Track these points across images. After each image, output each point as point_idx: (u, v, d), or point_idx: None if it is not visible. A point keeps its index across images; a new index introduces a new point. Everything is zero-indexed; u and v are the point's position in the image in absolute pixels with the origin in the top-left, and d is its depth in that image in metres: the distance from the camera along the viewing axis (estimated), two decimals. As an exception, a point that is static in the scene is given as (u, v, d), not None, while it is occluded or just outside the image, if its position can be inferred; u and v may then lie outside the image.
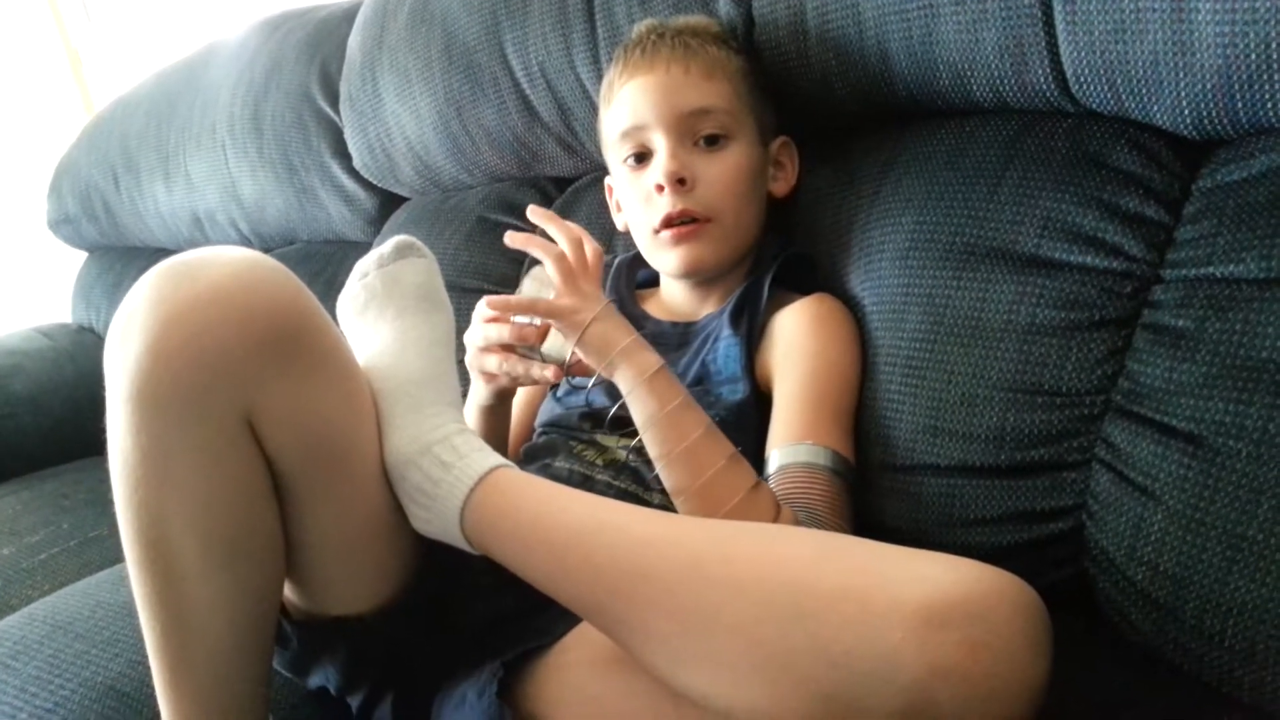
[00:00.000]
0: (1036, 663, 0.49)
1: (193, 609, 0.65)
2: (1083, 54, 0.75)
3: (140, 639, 0.91)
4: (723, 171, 0.92)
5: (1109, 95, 0.76)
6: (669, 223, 0.92)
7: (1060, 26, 0.75)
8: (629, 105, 0.94)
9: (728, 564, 0.55)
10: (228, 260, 0.63)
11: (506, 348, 0.86)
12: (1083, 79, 0.76)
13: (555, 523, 0.64)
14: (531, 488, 0.67)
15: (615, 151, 0.97)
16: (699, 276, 0.96)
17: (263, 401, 0.63)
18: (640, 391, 0.80)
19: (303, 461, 0.66)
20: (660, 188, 0.91)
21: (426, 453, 0.69)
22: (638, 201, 0.96)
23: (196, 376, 0.60)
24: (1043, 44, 0.77)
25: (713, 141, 0.92)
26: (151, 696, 0.83)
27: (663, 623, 0.57)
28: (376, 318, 0.76)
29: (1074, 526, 0.72)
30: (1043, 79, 0.79)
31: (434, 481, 0.68)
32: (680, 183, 0.91)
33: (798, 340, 0.88)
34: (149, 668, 0.87)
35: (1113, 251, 0.74)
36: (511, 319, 0.85)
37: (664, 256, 0.95)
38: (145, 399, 0.60)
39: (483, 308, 0.86)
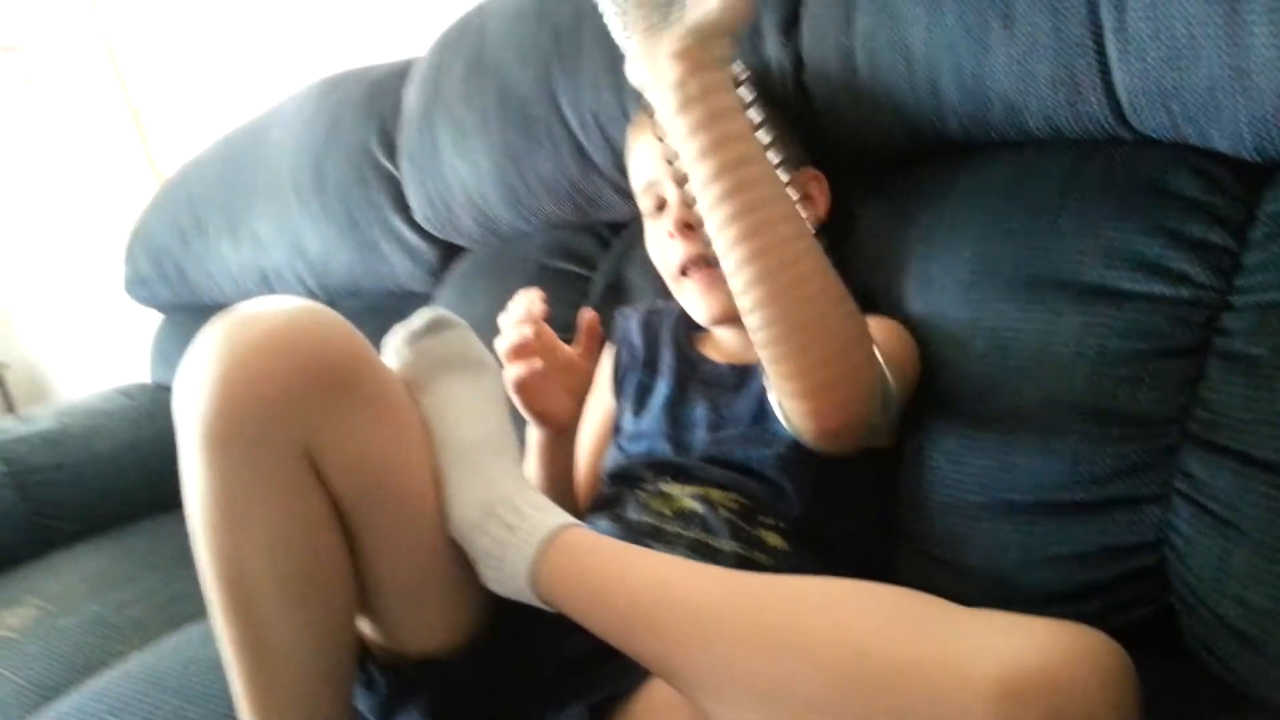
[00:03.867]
0: None
1: (274, 644, 0.68)
2: (1137, 82, 0.75)
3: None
4: None
5: (1166, 121, 0.76)
6: (684, 269, 0.95)
7: (1113, 56, 0.75)
8: (641, 160, 0.98)
9: (796, 630, 0.56)
10: (282, 308, 0.67)
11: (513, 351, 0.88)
12: (1138, 106, 0.76)
13: (620, 588, 0.65)
14: (597, 549, 0.69)
15: (640, 203, 1.01)
16: (730, 320, 0.97)
17: (320, 438, 0.67)
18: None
19: (362, 498, 0.70)
20: (672, 235, 0.94)
21: (491, 516, 0.71)
22: (659, 248, 0.99)
23: (258, 417, 0.64)
24: (1096, 74, 0.77)
25: None
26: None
27: (729, 686, 0.57)
28: (420, 389, 0.77)
29: (1157, 562, 0.72)
30: (1098, 108, 0.79)
31: (500, 544, 0.70)
32: (688, 228, 0.92)
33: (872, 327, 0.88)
34: (240, 724, 0.90)
35: (1180, 279, 0.73)
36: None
37: (693, 305, 0.98)
38: (213, 441, 0.65)
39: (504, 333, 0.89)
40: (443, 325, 0.79)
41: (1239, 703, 0.66)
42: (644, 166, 0.98)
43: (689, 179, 0.72)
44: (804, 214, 0.95)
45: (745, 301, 0.71)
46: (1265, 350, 0.66)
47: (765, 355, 0.73)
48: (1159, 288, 0.74)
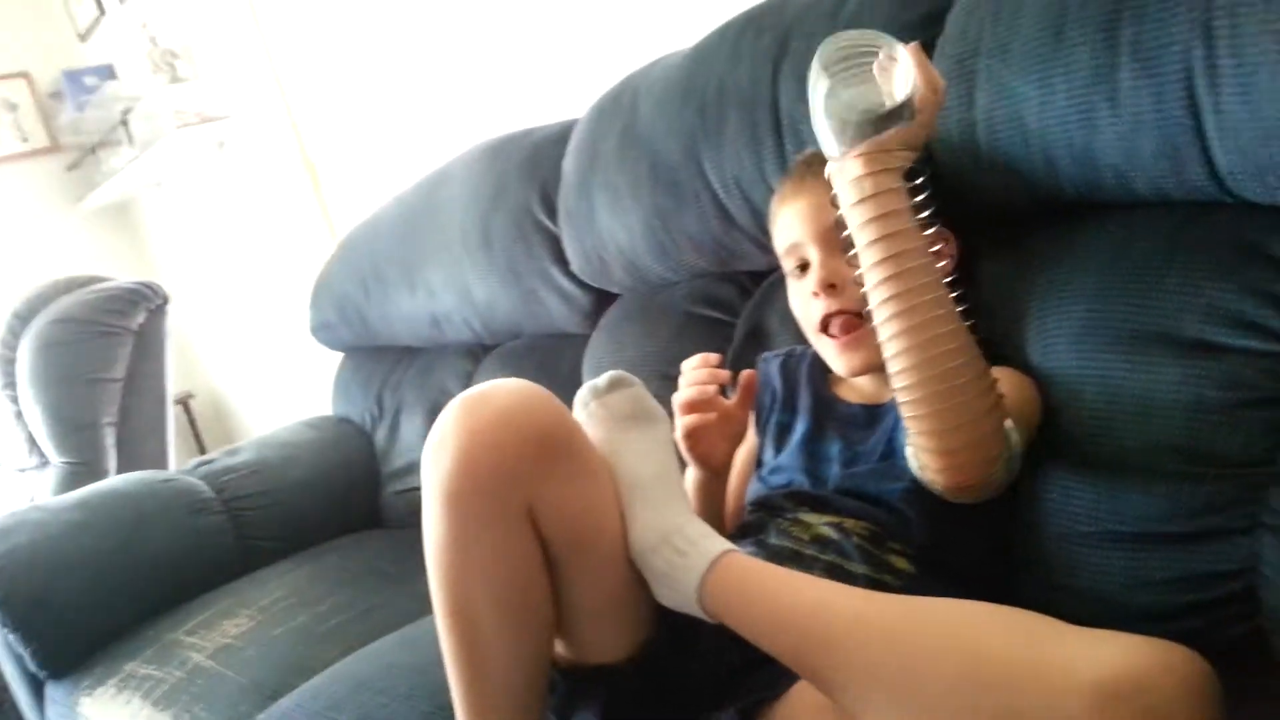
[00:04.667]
0: None
1: (491, 660, 0.84)
2: (1234, 158, 0.83)
3: (430, 692, 1.11)
4: None
5: (1262, 189, 0.84)
6: (826, 322, 1.04)
7: (1211, 134, 0.83)
8: (786, 226, 1.08)
9: (926, 638, 0.67)
10: (511, 390, 0.83)
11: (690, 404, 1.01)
12: (1236, 178, 0.84)
13: (776, 602, 0.78)
14: (754, 570, 0.81)
15: (783, 263, 1.11)
16: (866, 374, 1.07)
17: (539, 496, 0.82)
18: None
19: (568, 542, 0.84)
20: (816, 294, 1.04)
21: (665, 542, 0.84)
22: (801, 304, 1.09)
23: (491, 479, 0.80)
24: (1196, 149, 0.85)
25: None
26: (447, 741, 1.01)
27: (870, 686, 0.69)
28: (603, 435, 0.92)
29: (1247, 587, 0.80)
30: (1199, 177, 0.87)
31: (673, 566, 0.83)
32: (831, 287, 1.03)
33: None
34: (442, 716, 1.06)
35: (1273, 336, 0.81)
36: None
37: (832, 359, 1.07)
38: (452, 498, 0.81)
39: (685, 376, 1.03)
40: (622, 384, 0.93)
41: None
42: (788, 231, 1.08)
43: (853, 250, 0.85)
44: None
45: (894, 366, 0.84)
46: (1342, 403, 0.74)
47: (906, 415, 0.85)
48: (1253, 343, 0.82)
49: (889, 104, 0.82)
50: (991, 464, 0.85)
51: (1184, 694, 0.58)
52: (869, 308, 0.85)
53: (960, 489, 0.87)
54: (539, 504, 0.82)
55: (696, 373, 1.03)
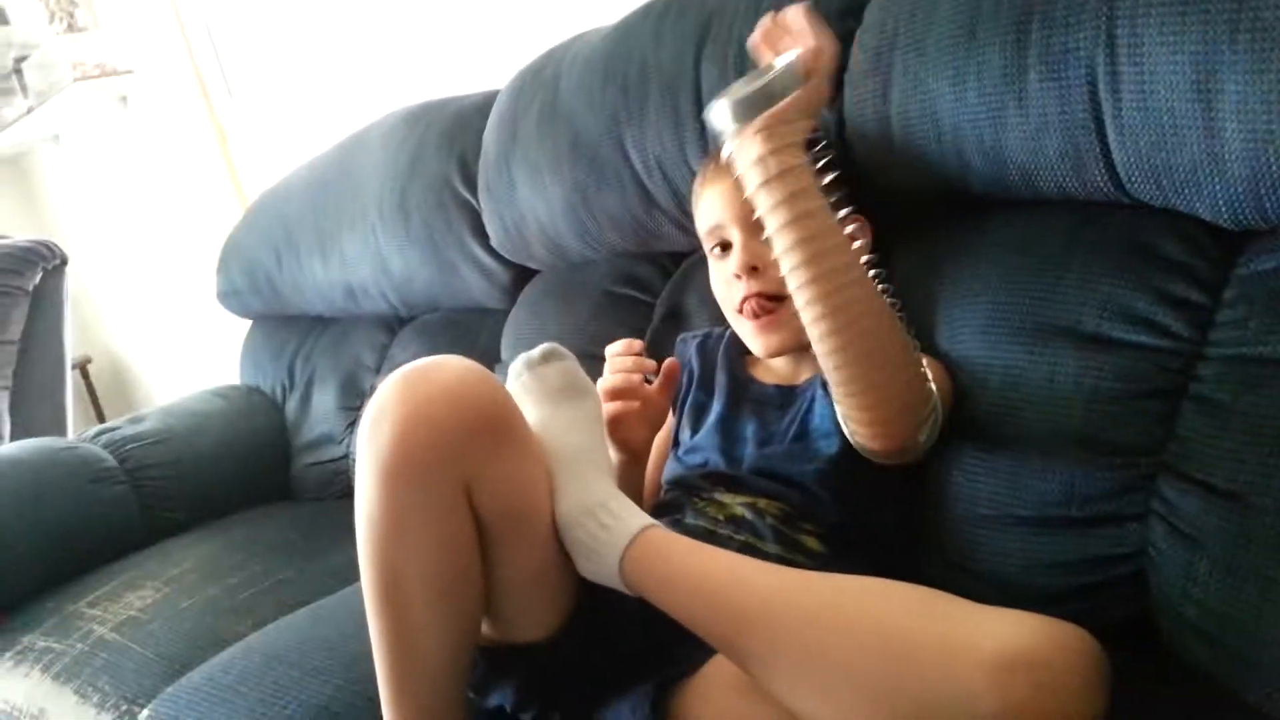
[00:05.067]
0: (1094, 700, 0.63)
1: (418, 634, 0.84)
2: (1131, 160, 0.87)
3: (344, 664, 1.12)
4: None
5: (1157, 192, 0.88)
6: (746, 304, 1.06)
7: (1111, 137, 0.88)
8: (709, 209, 1.10)
9: (837, 614, 0.70)
10: (452, 367, 0.83)
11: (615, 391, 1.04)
12: (1133, 179, 0.89)
13: (695, 577, 0.80)
14: (675, 545, 0.83)
15: (704, 243, 1.13)
16: (782, 355, 1.10)
17: (478, 474, 0.82)
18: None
19: (502, 520, 0.85)
20: (738, 275, 1.06)
21: (589, 515, 0.85)
22: (722, 286, 1.12)
23: (432, 456, 0.80)
24: (1097, 151, 0.89)
25: None
26: (359, 714, 1.02)
27: (784, 659, 0.72)
28: (534, 407, 0.93)
29: (1137, 570, 0.85)
30: (1099, 178, 0.91)
31: (595, 539, 0.84)
32: (753, 270, 1.05)
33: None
34: (355, 691, 1.07)
35: (1163, 332, 0.86)
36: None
37: (751, 341, 1.10)
38: (391, 473, 0.80)
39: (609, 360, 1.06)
40: (555, 356, 0.95)
41: (1202, 689, 0.79)
42: (709, 213, 1.10)
43: (765, 233, 0.87)
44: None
45: (820, 342, 0.86)
46: (1227, 396, 0.79)
47: (835, 384, 0.88)
48: (1145, 338, 0.86)
49: (777, 67, 0.84)
50: (919, 426, 0.90)
51: (1077, 670, 0.63)
52: (788, 290, 0.87)
53: (894, 452, 0.91)
54: (476, 482, 0.82)
55: (621, 360, 1.04)
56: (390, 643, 0.85)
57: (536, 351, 0.95)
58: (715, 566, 0.81)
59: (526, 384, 0.94)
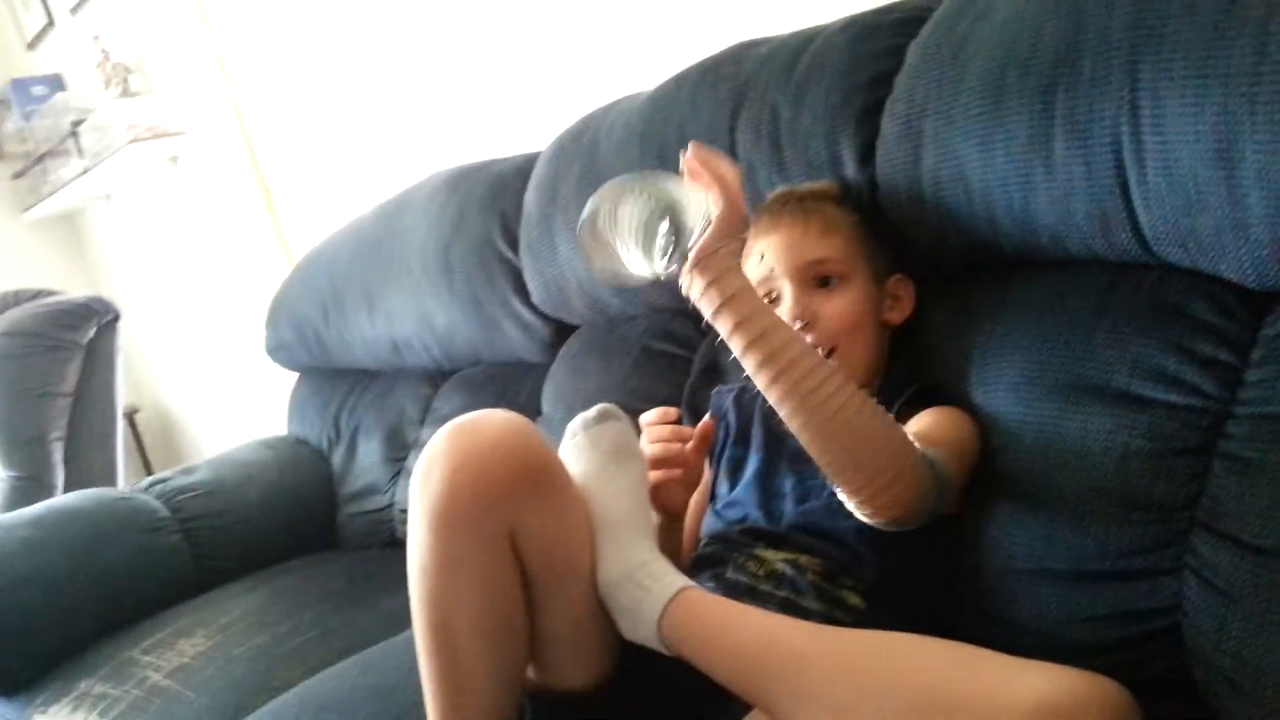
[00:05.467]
0: None
1: (470, 679, 0.88)
2: (1158, 224, 0.90)
3: (394, 715, 1.15)
4: (841, 306, 1.09)
5: (1184, 254, 0.91)
6: None
7: (1137, 202, 0.90)
8: (759, 260, 1.13)
9: (872, 670, 0.73)
10: (497, 420, 0.88)
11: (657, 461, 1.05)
12: (1160, 242, 0.91)
13: (731, 637, 0.83)
14: (711, 606, 0.86)
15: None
16: None
17: (521, 523, 0.87)
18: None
19: (544, 569, 0.89)
20: None
21: (629, 578, 0.89)
22: None
23: (479, 504, 0.85)
24: (1124, 215, 0.92)
25: (830, 283, 1.10)
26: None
27: (818, 715, 0.74)
28: (586, 467, 0.97)
29: (1172, 624, 0.87)
30: (1126, 241, 0.94)
31: (636, 600, 0.88)
32: (804, 325, 1.08)
33: (929, 413, 1.04)
34: (406, 741, 1.09)
35: (1192, 391, 0.88)
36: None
37: None
38: (440, 520, 0.85)
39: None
40: (610, 416, 0.98)
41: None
42: (760, 265, 1.12)
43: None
44: (892, 314, 1.13)
45: (801, 437, 0.90)
46: (1257, 454, 0.81)
47: (828, 475, 0.92)
48: (1175, 397, 0.89)
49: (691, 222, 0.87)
50: (917, 496, 0.91)
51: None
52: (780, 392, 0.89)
53: (896, 522, 0.92)
54: (520, 530, 0.87)
55: (659, 430, 1.06)
56: (441, 684, 0.88)
57: (593, 412, 0.99)
58: (750, 624, 0.84)
59: (580, 444, 0.98)
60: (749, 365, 0.90)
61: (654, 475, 1.06)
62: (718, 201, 0.89)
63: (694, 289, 0.90)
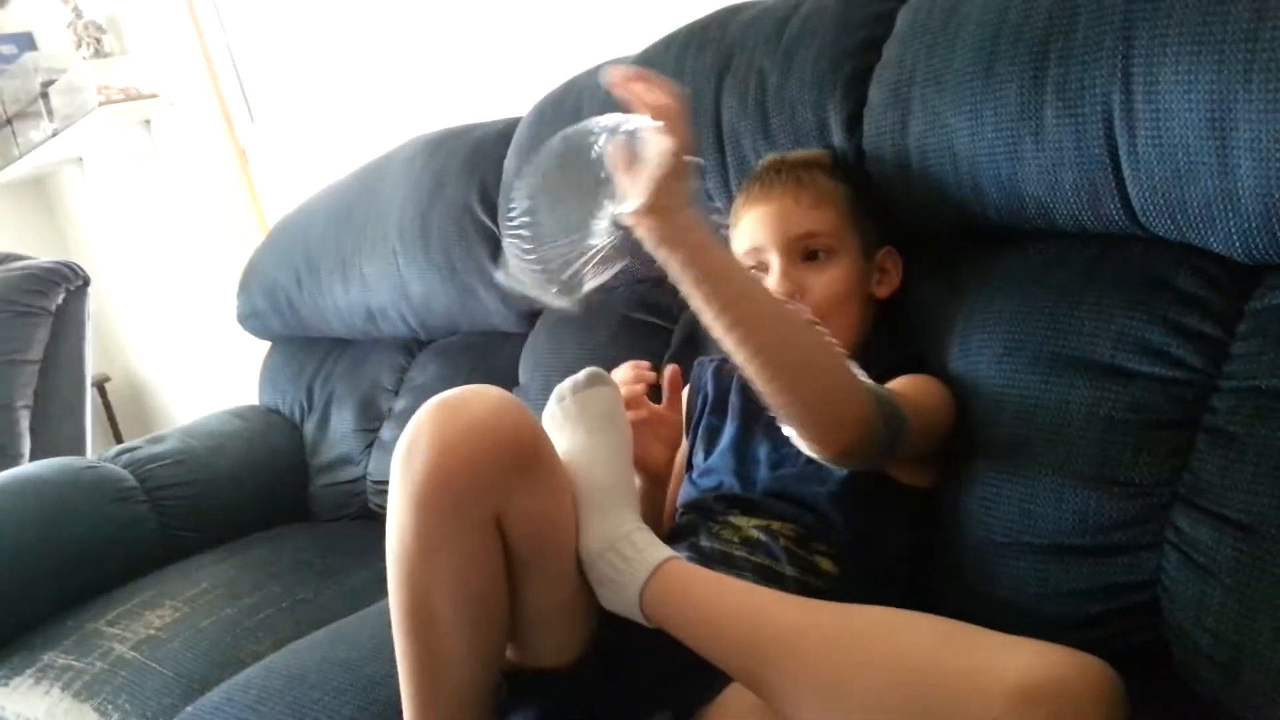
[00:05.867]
0: None
1: (444, 656, 0.86)
2: (1146, 195, 0.89)
3: (364, 687, 1.13)
4: (829, 281, 1.07)
5: (1172, 226, 0.89)
6: None
7: (1126, 173, 0.89)
8: (749, 230, 1.11)
9: (859, 645, 0.72)
10: (485, 400, 0.85)
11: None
12: (1149, 214, 0.90)
13: (714, 610, 0.82)
14: (694, 578, 0.85)
15: (742, 263, 1.14)
16: None
17: (508, 504, 0.84)
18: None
19: (528, 550, 0.87)
20: None
21: (611, 548, 0.87)
22: None
23: (464, 488, 0.82)
24: (1112, 186, 0.91)
25: (820, 256, 1.08)
26: (381, 735, 1.03)
27: (805, 691, 0.73)
28: (571, 434, 0.95)
29: (1150, 599, 0.86)
30: (1115, 212, 0.93)
31: (618, 571, 0.86)
32: (793, 295, 1.06)
33: (900, 379, 1.01)
34: (374, 712, 1.08)
35: (1177, 364, 0.87)
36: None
37: None
38: (423, 502, 0.83)
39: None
40: (599, 380, 0.97)
41: (1215, 717, 0.80)
42: (749, 235, 1.09)
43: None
44: (880, 288, 1.11)
45: (743, 363, 0.84)
46: (1241, 429, 0.80)
47: (766, 396, 0.86)
48: (1160, 370, 0.88)
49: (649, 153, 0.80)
50: (861, 422, 0.86)
51: (1095, 699, 0.64)
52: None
53: (842, 454, 0.87)
54: (506, 512, 0.84)
55: (621, 372, 1.05)
56: (417, 664, 0.86)
57: (582, 376, 0.97)
58: (734, 598, 0.82)
59: (568, 409, 0.96)
60: (694, 298, 0.83)
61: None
62: (656, 133, 0.81)
63: (643, 227, 0.82)
